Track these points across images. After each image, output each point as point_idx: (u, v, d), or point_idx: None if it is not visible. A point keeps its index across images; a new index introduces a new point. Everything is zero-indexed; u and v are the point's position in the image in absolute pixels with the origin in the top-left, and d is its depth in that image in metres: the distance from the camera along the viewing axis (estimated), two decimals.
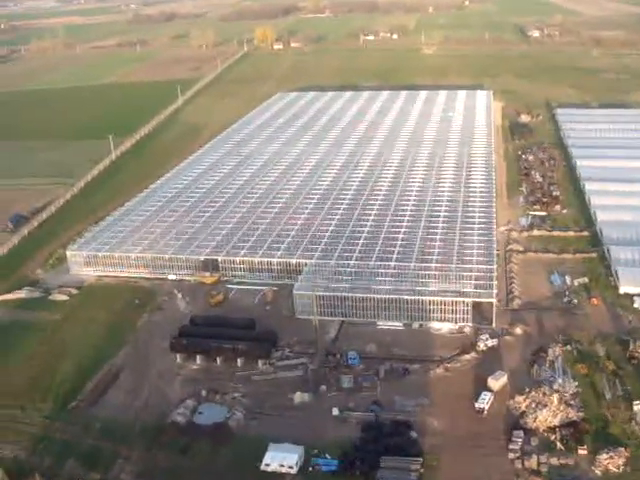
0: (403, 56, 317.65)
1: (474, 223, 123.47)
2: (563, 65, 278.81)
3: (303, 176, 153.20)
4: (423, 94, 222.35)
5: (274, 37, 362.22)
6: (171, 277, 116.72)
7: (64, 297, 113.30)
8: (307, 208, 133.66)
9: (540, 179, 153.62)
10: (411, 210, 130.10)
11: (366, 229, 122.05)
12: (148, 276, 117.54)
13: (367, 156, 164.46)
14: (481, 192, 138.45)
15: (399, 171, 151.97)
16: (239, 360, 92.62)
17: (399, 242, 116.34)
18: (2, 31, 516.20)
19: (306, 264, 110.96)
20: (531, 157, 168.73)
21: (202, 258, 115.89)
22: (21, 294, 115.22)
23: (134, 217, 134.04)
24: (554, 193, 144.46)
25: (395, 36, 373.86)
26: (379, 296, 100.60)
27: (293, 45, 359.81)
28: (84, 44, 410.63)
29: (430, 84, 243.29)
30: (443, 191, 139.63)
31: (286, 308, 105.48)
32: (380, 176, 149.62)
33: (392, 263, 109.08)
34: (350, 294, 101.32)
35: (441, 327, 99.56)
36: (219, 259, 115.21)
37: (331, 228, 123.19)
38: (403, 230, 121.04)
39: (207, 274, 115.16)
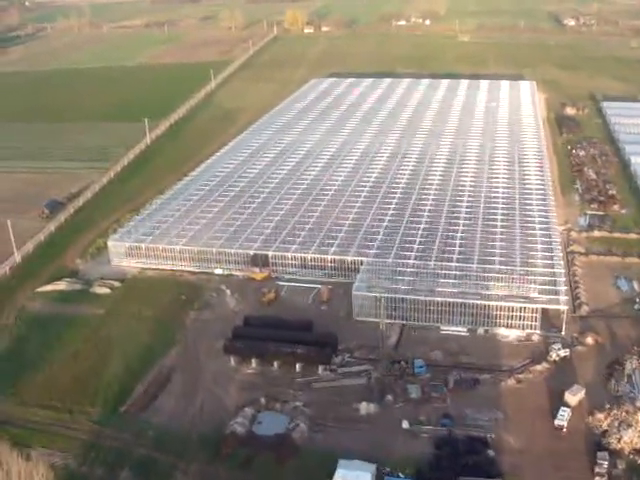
0: (438, 42, 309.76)
1: (534, 222, 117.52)
2: (602, 55, 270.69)
3: (349, 167, 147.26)
4: (464, 83, 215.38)
5: (304, 20, 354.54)
6: (218, 272, 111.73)
7: (106, 290, 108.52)
8: (357, 202, 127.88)
9: (594, 176, 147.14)
10: (466, 207, 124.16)
11: (421, 226, 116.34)
12: (193, 270, 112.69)
13: (413, 148, 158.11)
14: (537, 189, 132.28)
15: (449, 164, 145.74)
16: (298, 365, 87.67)
17: (458, 241, 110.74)
18: (27, 9, 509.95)
19: (362, 262, 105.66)
20: (582, 152, 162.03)
21: (251, 253, 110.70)
22: (61, 285, 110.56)
23: (176, 206, 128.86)
24: (610, 192, 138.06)
25: (428, 22, 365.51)
26: (443, 299, 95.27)
27: (324, 29, 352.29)
28: (110, 23, 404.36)
29: (469, 73, 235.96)
30: (497, 187, 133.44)
31: (343, 309, 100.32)
32: (429, 170, 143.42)
33: (453, 264, 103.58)
34: (412, 296, 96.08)
35: (508, 334, 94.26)
36: (269, 254, 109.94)
37: (384, 224, 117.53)
38: (461, 228, 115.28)
39: (257, 270, 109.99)
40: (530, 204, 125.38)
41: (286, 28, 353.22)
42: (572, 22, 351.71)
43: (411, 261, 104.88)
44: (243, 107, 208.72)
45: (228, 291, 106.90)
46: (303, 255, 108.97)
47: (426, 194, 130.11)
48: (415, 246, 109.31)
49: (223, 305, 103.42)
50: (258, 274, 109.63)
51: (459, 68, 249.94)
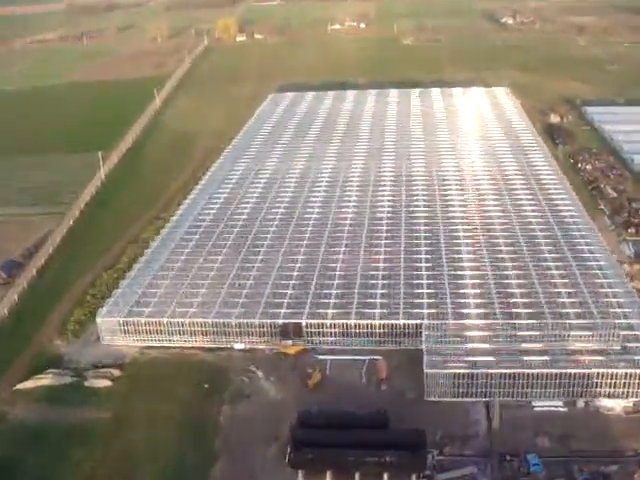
0: (382, 47, 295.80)
1: (585, 254, 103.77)
2: (557, 55, 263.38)
3: (355, 199, 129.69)
4: (435, 92, 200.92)
5: (236, 28, 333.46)
6: (238, 346, 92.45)
7: (106, 382, 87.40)
8: (380, 243, 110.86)
9: (614, 194, 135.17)
10: (505, 241, 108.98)
11: (467, 273, 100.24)
12: (208, 345, 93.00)
13: (416, 172, 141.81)
14: (569, 213, 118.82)
15: (464, 191, 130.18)
16: (386, 475, 70.02)
17: (517, 290, 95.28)
18: None
19: (419, 326, 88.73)
20: (589, 166, 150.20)
21: (280, 322, 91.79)
22: (45, 379, 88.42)
23: (167, 264, 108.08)
24: None
25: (362, 25, 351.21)
26: (538, 371, 79.58)
27: (257, 36, 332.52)
28: (19, 38, 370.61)
29: (431, 79, 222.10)
30: (526, 213, 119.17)
31: (407, 387, 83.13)
32: (445, 198, 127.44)
33: (524, 321, 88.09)
34: (497, 370, 79.88)
35: (613, 405, 79.54)
36: (303, 323, 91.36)
37: (424, 272, 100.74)
38: (512, 272, 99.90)
39: (288, 342, 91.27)
40: (572, 233, 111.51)
41: (217, 37, 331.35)
42: (510, 20, 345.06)
43: (477, 322, 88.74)
44: (199, 130, 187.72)
45: (260, 373, 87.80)
46: (345, 322, 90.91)
47: (454, 231, 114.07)
48: (471, 300, 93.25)
49: (260, 393, 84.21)
50: (290, 347, 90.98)
51: (416, 74, 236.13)
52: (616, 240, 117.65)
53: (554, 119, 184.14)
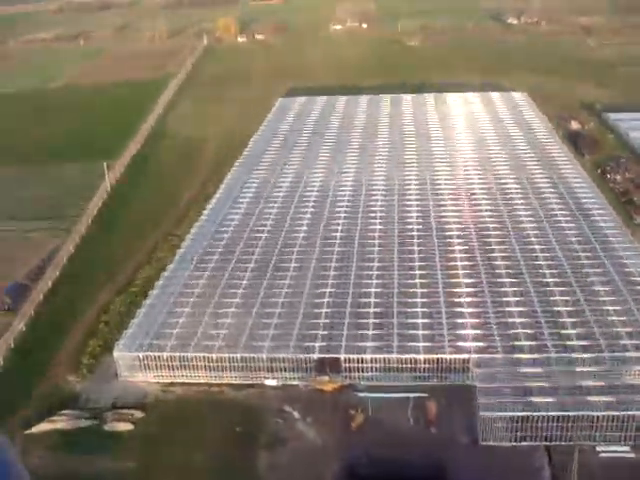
0: (388, 49, 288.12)
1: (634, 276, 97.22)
2: (568, 57, 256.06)
3: (381, 214, 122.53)
4: (451, 97, 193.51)
5: (237, 28, 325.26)
6: (270, 383, 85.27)
7: (127, 426, 79.92)
8: (414, 265, 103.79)
9: None
10: (548, 266, 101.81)
11: (511, 299, 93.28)
12: (236, 382, 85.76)
13: (442, 183, 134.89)
14: (612, 234, 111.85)
15: (495, 207, 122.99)
16: None
17: (568, 319, 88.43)
18: None
19: (467, 360, 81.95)
20: (618, 177, 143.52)
21: (316, 357, 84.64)
22: (60, 422, 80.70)
23: (186, 289, 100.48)
24: None
25: (365, 25, 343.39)
26: (600, 414, 72.84)
27: (258, 37, 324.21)
28: (12, 38, 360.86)
29: (442, 83, 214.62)
30: (565, 232, 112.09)
31: (458, 429, 76.27)
32: (476, 214, 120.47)
33: (579, 355, 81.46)
34: (558, 413, 73.13)
35: None
36: (342, 358, 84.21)
37: (464, 300, 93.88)
38: (559, 297, 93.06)
39: (325, 378, 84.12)
40: (616, 253, 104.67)
41: (217, 37, 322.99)
42: (515, 21, 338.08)
43: (529, 356, 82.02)
44: (206, 137, 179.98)
45: (296, 413, 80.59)
46: (386, 356, 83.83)
47: (489, 249, 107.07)
48: (520, 331, 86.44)
49: (299, 437, 76.94)
50: (327, 384, 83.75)
51: (427, 77, 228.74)
52: None
53: (575, 126, 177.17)
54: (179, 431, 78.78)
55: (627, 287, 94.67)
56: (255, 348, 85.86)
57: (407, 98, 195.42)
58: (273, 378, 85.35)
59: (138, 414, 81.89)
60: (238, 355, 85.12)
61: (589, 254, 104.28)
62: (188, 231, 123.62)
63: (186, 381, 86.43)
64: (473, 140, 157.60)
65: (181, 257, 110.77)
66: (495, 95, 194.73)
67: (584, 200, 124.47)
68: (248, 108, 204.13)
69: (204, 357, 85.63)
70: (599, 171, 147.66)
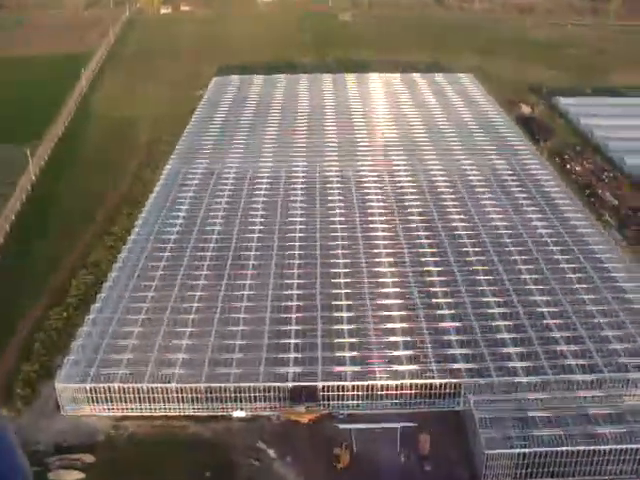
0: (320, 24, 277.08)
1: (629, 299, 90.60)
2: (509, 38, 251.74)
3: (340, 207, 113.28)
4: (396, 78, 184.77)
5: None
6: (238, 414, 75.52)
7: (76, 475, 68.65)
8: (388, 275, 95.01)
9: (615, 201, 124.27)
10: (528, 270, 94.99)
11: (495, 310, 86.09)
12: (200, 413, 75.49)
13: (401, 170, 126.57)
14: (587, 233, 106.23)
15: (463, 204, 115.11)
16: None
17: (557, 333, 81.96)
18: None
19: (459, 385, 74.28)
20: (578, 168, 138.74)
21: (290, 385, 75.12)
22: None
23: (133, 304, 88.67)
24: None
25: None
26: (613, 447, 66.57)
27: (183, 8, 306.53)
28: None
29: (384, 63, 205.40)
30: (539, 231, 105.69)
31: (455, 464, 68.73)
32: (442, 206, 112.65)
33: (580, 377, 75.12)
34: (569, 448, 66.37)
35: None
36: (319, 386, 75.00)
37: (446, 311, 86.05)
38: (546, 309, 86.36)
39: (302, 408, 74.85)
40: (595, 255, 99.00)
41: (139, 8, 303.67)
42: None
43: (526, 379, 75.01)
44: (137, 118, 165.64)
45: (271, 452, 71.17)
46: (370, 383, 75.15)
47: (468, 260, 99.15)
48: (512, 350, 79.25)
49: None
50: (304, 415, 74.66)
51: (367, 56, 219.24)
52: (632, 259, 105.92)
53: (525, 110, 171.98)
54: (136, 478, 68.09)
55: (622, 305, 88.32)
56: (220, 376, 75.52)
57: (350, 78, 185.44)
58: (241, 409, 75.49)
59: (87, 458, 70.66)
60: (201, 385, 74.67)
61: (568, 257, 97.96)
62: (125, 228, 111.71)
63: (142, 414, 75.45)
64: (426, 127, 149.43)
65: (123, 263, 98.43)
66: (441, 76, 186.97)
67: (554, 196, 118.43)
68: (180, 86, 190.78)
69: (162, 388, 74.78)
70: (557, 160, 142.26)
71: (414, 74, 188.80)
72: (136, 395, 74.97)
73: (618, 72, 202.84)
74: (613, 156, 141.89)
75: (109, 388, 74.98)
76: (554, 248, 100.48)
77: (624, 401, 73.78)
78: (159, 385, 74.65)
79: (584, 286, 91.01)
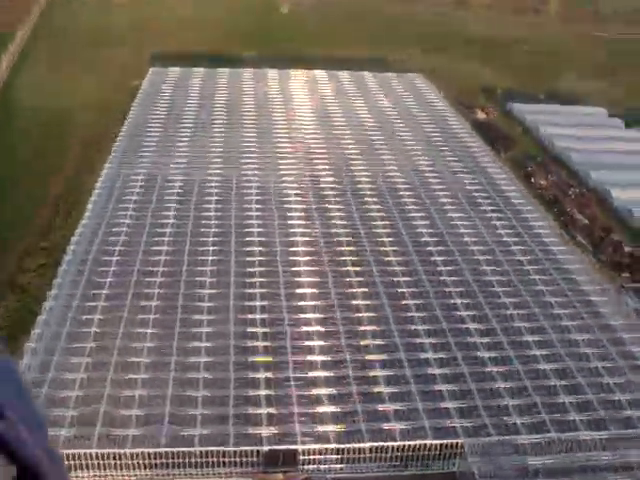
0: (258, 13, 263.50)
1: (621, 342, 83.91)
2: (454, 33, 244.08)
3: (298, 217, 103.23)
4: (345, 76, 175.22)
5: None
6: None
7: None
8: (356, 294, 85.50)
9: (585, 220, 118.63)
10: (512, 304, 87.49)
11: (485, 354, 78.10)
12: None
13: (360, 182, 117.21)
14: (565, 259, 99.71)
15: (433, 224, 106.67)
16: None
17: (553, 380, 74.65)
18: None
19: (454, 445, 65.78)
20: (543, 182, 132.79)
21: (266, 449, 64.79)
22: None
23: (73, 344, 76.08)
24: (627, 249, 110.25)
25: None
26: None
27: None
28: None
29: (329, 58, 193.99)
30: (515, 257, 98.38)
31: None
32: (410, 224, 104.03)
33: (585, 433, 67.86)
34: None
35: None
36: (299, 449, 64.95)
37: (431, 355, 77.40)
38: (539, 352, 78.99)
39: (279, 476, 64.74)
40: (581, 287, 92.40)
41: None
42: None
43: (528, 438, 67.08)
44: (66, 112, 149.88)
45: None
46: (357, 446, 65.64)
47: (447, 291, 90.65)
48: (509, 402, 71.30)
49: None
50: None
51: (312, 50, 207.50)
52: (607, 286, 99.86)
53: (480, 115, 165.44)
54: None
55: (612, 346, 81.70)
56: (183, 439, 64.46)
57: (295, 74, 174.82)
58: (209, 474, 64.77)
59: None
60: (161, 450, 63.45)
61: (552, 288, 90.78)
62: (60, 243, 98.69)
63: None
64: (381, 129, 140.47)
65: (58, 290, 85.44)
66: (390, 76, 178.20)
67: (527, 216, 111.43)
68: (112, 75, 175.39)
69: (114, 454, 63.19)
70: (522, 173, 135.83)
71: (364, 72, 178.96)
72: (82, 462, 63.09)
73: (567, 76, 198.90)
74: (578, 169, 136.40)
75: None
76: (536, 277, 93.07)
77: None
78: (109, 451, 63.02)
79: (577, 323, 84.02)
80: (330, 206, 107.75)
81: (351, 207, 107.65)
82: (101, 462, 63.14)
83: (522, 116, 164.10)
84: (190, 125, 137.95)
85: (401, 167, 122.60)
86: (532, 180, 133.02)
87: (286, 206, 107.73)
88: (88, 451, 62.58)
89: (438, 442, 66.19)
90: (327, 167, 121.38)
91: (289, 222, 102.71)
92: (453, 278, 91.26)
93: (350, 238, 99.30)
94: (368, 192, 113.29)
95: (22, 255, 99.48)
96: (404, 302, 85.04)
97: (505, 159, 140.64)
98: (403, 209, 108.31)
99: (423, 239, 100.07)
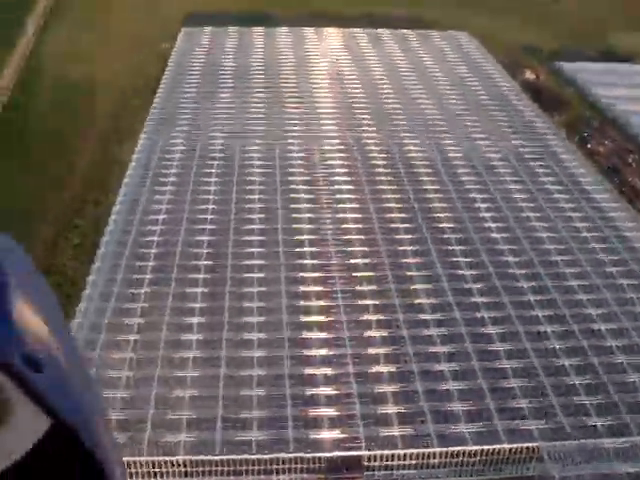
0: None
1: None
2: None
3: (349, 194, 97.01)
4: (386, 35, 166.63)
5: None
6: None
7: None
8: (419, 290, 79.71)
9: None
10: (594, 303, 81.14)
11: (555, 343, 72.27)
12: None
13: (411, 150, 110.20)
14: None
15: (490, 198, 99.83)
16: None
17: (633, 374, 68.78)
18: None
19: (531, 450, 60.59)
20: (601, 149, 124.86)
21: (328, 456, 59.98)
22: None
23: (112, 335, 71.71)
24: None
25: None
26: None
27: None
28: None
29: (364, 16, 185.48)
30: (584, 236, 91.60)
31: None
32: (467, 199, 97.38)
33: None
34: None
35: None
36: (364, 455, 60.10)
37: (499, 346, 71.69)
38: (614, 342, 73.00)
39: None
40: None
41: None
42: None
43: (609, 442, 61.53)
44: (95, 76, 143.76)
45: None
46: (425, 451, 60.62)
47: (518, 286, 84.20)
48: (585, 400, 65.66)
49: None
50: None
51: (344, 9, 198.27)
52: None
53: (529, 76, 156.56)
54: None
55: None
56: (238, 446, 59.83)
57: (334, 33, 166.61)
58: None
59: None
60: (216, 458, 58.95)
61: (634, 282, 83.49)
62: (93, 221, 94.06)
63: None
64: (431, 95, 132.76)
65: (95, 277, 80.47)
66: (435, 34, 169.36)
67: (583, 184, 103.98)
68: (140, 40, 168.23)
69: (165, 462, 58.82)
70: (576, 138, 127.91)
71: (405, 30, 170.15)
72: (130, 471, 58.88)
73: (620, 30, 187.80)
74: (638, 134, 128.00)
75: None
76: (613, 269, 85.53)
77: None
78: (160, 459, 58.65)
79: None
80: (380, 178, 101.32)
81: (402, 180, 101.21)
82: (146, 470, 58.70)
83: (572, 76, 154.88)
84: (228, 88, 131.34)
85: (454, 136, 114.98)
86: (588, 146, 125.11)
87: (333, 178, 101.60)
88: (138, 459, 57.95)
89: (513, 446, 60.74)
90: (374, 136, 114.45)
91: (337, 193, 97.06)
92: (517, 259, 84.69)
93: (402, 205, 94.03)
94: (420, 162, 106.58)
95: (53, 234, 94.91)
96: (466, 286, 79.08)
97: (558, 123, 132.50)
98: (457, 181, 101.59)
99: (481, 214, 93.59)
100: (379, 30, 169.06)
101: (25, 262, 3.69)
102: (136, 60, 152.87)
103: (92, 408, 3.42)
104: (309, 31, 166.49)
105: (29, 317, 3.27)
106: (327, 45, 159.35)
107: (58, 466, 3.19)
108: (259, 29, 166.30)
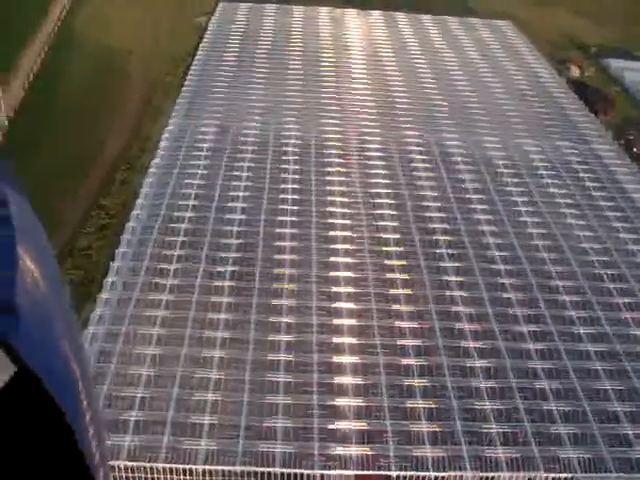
0: None
1: None
2: None
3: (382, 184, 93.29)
4: (427, 20, 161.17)
5: None
6: None
7: None
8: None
9: None
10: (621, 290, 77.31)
11: (596, 363, 68.62)
12: None
13: (455, 150, 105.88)
14: None
15: (531, 201, 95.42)
16: None
17: None
18: None
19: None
20: None
21: (353, 474, 56.98)
22: None
23: (135, 323, 69.07)
24: None
25: None
26: None
27: None
28: None
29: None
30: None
31: None
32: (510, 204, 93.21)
33: None
34: None
35: None
36: (393, 475, 57.00)
37: (538, 363, 68.20)
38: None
39: None
40: None
41: None
42: None
43: None
44: (131, 49, 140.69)
45: None
46: (459, 474, 57.47)
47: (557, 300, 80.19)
48: (628, 428, 62.13)
49: None
50: None
51: None
52: None
53: (574, 72, 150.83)
54: None
55: None
56: (262, 458, 57.02)
57: (374, 16, 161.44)
58: None
59: None
60: (237, 469, 56.23)
61: None
62: (120, 203, 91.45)
63: None
64: (472, 88, 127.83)
65: (120, 265, 77.64)
66: (477, 23, 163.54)
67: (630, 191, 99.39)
68: (170, 11, 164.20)
69: (183, 470, 56.18)
70: (621, 141, 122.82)
71: (446, 17, 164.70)
72: (149, 476, 56.31)
73: None
74: None
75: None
76: None
77: None
78: (179, 466, 55.99)
79: None
80: (418, 173, 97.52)
81: (441, 174, 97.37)
82: (165, 478, 56.09)
83: (619, 74, 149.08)
84: (265, 67, 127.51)
85: (497, 136, 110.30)
86: (634, 150, 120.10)
87: (368, 171, 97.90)
88: (156, 465, 55.35)
89: (551, 475, 57.45)
90: (414, 128, 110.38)
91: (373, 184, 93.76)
92: (557, 268, 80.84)
93: (437, 193, 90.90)
94: (459, 159, 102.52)
95: (80, 215, 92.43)
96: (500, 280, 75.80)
97: (603, 123, 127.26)
98: (499, 181, 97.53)
99: (522, 219, 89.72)
100: (421, 15, 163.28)
101: (21, 197, 3.77)
102: (172, 34, 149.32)
103: (70, 369, 3.23)
104: (351, 13, 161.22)
105: (27, 263, 3.15)
106: (368, 28, 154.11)
107: (20, 419, 2.91)
108: (299, 7, 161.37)
